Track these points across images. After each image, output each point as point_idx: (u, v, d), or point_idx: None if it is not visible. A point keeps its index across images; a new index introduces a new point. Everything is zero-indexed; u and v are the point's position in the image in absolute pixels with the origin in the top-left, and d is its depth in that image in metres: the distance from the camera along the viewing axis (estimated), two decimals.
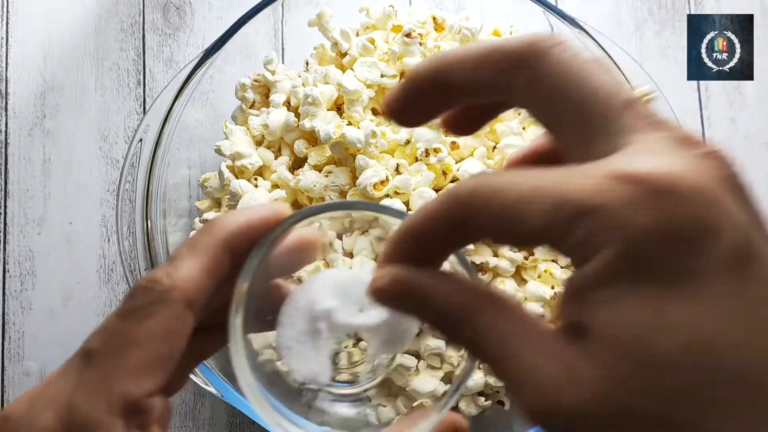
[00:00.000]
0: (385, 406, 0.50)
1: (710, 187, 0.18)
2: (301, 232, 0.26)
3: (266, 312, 0.26)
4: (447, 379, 0.51)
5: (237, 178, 0.51)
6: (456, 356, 0.50)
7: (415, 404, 0.49)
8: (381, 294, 0.22)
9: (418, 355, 0.50)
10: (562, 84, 0.21)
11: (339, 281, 0.26)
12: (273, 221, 0.25)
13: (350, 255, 0.50)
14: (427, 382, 0.49)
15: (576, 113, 0.20)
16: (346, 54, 0.52)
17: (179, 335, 0.24)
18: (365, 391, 0.28)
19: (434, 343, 0.49)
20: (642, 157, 0.19)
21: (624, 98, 0.20)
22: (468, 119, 0.25)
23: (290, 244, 0.26)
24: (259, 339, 0.26)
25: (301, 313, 0.26)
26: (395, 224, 0.24)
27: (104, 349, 0.23)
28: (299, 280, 0.30)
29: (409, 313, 0.22)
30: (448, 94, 0.23)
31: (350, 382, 0.28)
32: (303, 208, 0.25)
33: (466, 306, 0.21)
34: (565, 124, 0.21)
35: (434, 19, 0.53)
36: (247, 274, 0.24)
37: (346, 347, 0.29)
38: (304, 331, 0.25)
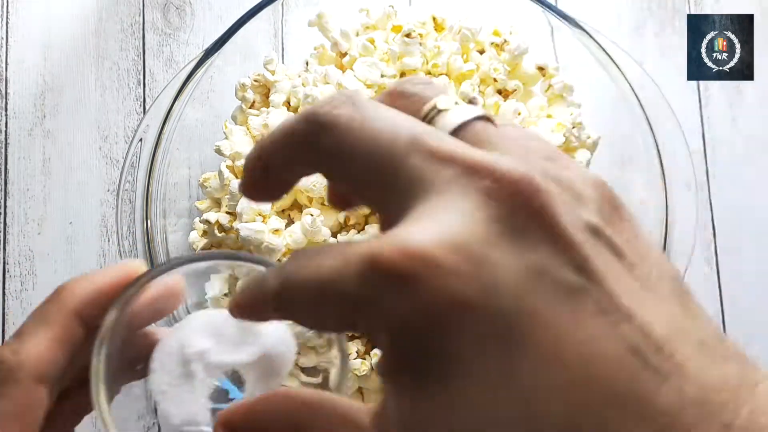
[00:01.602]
0: None
1: (466, 254, 0.17)
2: (164, 280, 0.25)
3: (136, 362, 0.26)
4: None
5: (237, 178, 0.51)
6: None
7: None
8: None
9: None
10: (347, 151, 0.19)
11: (210, 321, 0.26)
12: (125, 281, 0.24)
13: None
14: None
15: (366, 177, 0.19)
16: (346, 54, 0.52)
17: (32, 412, 0.23)
18: None
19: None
20: (398, 236, 0.17)
21: (405, 139, 0.19)
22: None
23: (151, 296, 0.25)
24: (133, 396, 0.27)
25: (173, 357, 0.25)
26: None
27: None
28: (169, 324, 0.30)
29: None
30: (274, 177, 0.22)
31: None
32: (156, 266, 0.25)
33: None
34: (365, 192, 0.20)
35: (434, 19, 0.53)
36: (104, 337, 0.24)
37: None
38: (178, 375, 0.25)
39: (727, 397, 0.16)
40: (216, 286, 0.50)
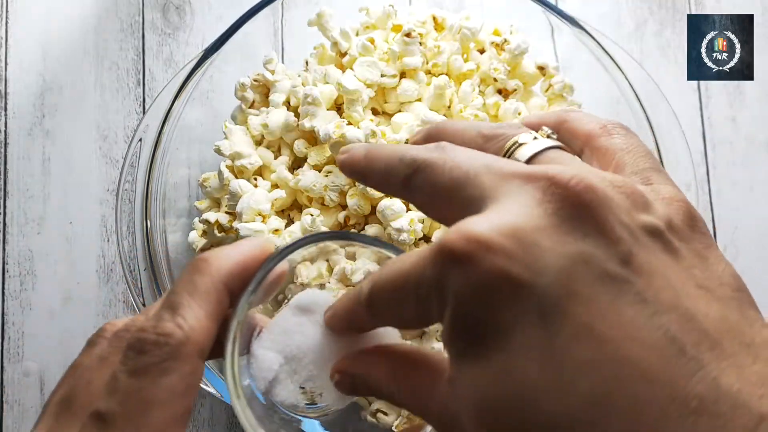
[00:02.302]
0: (386, 414, 0.50)
1: (518, 239, 0.19)
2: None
3: (244, 340, 0.26)
4: None
5: (236, 177, 0.51)
6: None
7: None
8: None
9: None
10: (443, 187, 0.23)
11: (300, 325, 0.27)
12: (261, 257, 0.25)
13: (352, 257, 0.50)
14: None
15: (445, 200, 0.23)
16: (345, 54, 0.52)
17: (195, 389, 0.23)
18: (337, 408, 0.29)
19: (438, 346, 0.49)
20: (462, 225, 0.20)
21: (478, 167, 0.22)
22: None
23: (269, 278, 0.26)
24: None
25: (278, 346, 0.26)
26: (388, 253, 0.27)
27: (121, 411, 0.22)
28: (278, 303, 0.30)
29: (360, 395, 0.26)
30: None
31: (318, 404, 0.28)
32: (288, 243, 0.26)
33: (390, 379, 0.24)
34: (444, 213, 0.23)
35: (434, 18, 0.53)
36: (242, 311, 0.24)
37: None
38: (279, 363, 0.26)
39: (765, 392, 0.17)
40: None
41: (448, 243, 0.20)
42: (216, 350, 0.24)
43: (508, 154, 0.25)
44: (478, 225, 0.20)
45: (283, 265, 0.26)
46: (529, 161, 0.24)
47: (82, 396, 0.23)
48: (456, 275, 0.20)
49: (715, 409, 0.17)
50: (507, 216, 0.20)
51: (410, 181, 0.24)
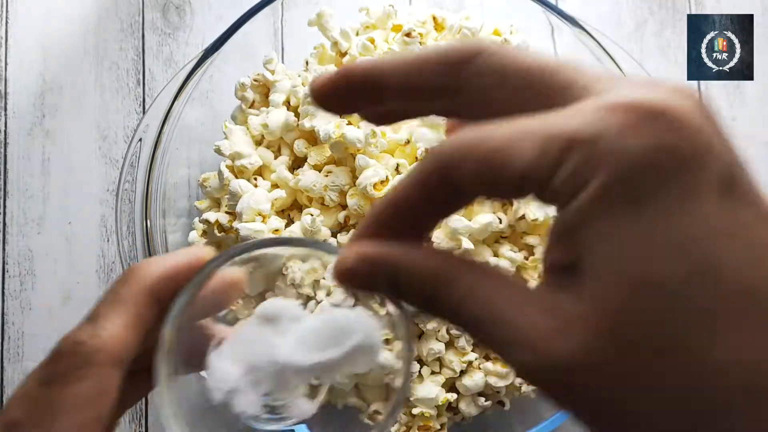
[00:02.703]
0: (381, 414, 0.49)
1: (696, 114, 0.18)
2: (224, 272, 0.25)
3: (194, 353, 0.25)
4: (448, 385, 0.51)
5: (236, 177, 0.50)
6: (457, 360, 0.49)
7: (415, 411, 0.49)
8: (345, 276, 0.20)
9: (420, 361, 0.50)
10: (520, 69, 0.20)
11: (254, 334, 0.26)
12: (196, 266, 0.24)
13: None
14: (429, 389, 0.49)
15: (538, 90, 0.20)
16: (346, 53, 0.52)
17: (107, 397, 0.23)
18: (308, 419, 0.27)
19: (437, 346, 0.49)
20: (625, 90, 0.18)
21: (555, 60, 0.20)
22: (389, 113, 0.23)
23: (214, 286, 0.25)
24: (188, 381, 0.26)
25: (243, 356, 0.25)
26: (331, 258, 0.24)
27: (28, 419, 0.22)
28: (232, 319, 0.29)
29: (381, 293, 0.21)
30: (379, 95, 0.22)
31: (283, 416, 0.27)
32: (226, 250, 0.25)
33: (443, 272, 0.19)
34: (517, 101, 0.20)
35: (434, 18, 0.53)
36: (173, 320, 0.23)
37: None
38: (241, 374, 0.25)
39: None
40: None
41: (639, 100, 0.18)
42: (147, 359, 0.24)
43: None
44: (653, 94, 0.18)
45: (229, 274, 0.25)
46: None
47: (4, 407, 0.23)
48: (640, 133, 0.17)
49: None
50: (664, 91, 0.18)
51: (467, 65, 0.20)
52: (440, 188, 0.19)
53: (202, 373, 0.25)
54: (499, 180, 0.18)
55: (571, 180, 0.18)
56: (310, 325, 0.26)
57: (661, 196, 0.17)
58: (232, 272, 0.26)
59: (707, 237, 0.17)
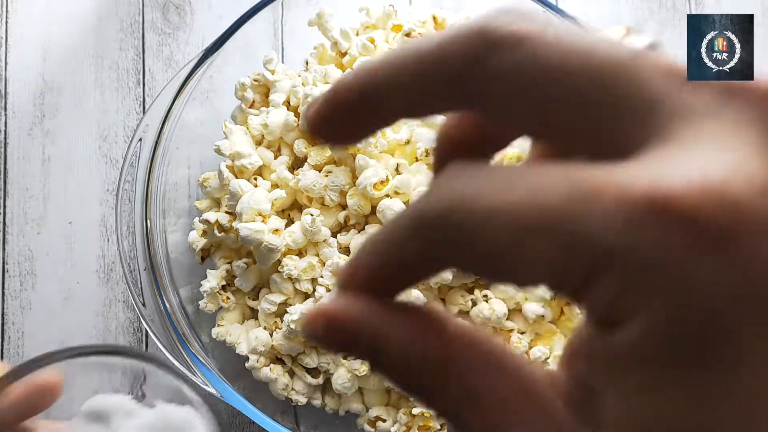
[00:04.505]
0: (384, 420, 0.49)
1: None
2: (33, 378, 0.24)
3: None
4: None
5: (237, 177, 0.51)
6: None
7: (415, 411, 0.49)
8: (315, 340, 0.15)
9: None
10: (561, 70, 0.14)
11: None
12: None
13: (346, 250, 0.50)
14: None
15: (568, 96, 0.14)
16: (346, 53, 0.52)
17: None
18: None
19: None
20: (675, 162, 0.12)
21: (627, 52, 0.14)
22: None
23: (19, 394, 0.24)
24: None
25: None
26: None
27: None
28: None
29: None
30: (382, 114, 0.16)
31: None
32: (15, 367, 0.24)
33: (434, 365, 0.14)
34: (560, 117, 0.14)
35: (434, 18, 0.53)
36: None
37: None
38: None
39: None
40: (212, 281, 0.50)
41: (677, 199, 0.12)
42: None
43: None
44: (717, 173, 0.12)
45: (42, 378, 0.24)
46: None
47: None
48: (708, 262, 0.12)
49: None
50: (743, 159, 0.12)
51: (485, 61, 0.14)
52: (426, 265, 0.15)
53: None
54: (505, 280, 0.14)
55: (608, 308, 0.13)
56: (145, 422, 0.24)
57: (714, 359, 0.12)
58: (48, 375, 0.24)
59: (752, 392, 0.13)
